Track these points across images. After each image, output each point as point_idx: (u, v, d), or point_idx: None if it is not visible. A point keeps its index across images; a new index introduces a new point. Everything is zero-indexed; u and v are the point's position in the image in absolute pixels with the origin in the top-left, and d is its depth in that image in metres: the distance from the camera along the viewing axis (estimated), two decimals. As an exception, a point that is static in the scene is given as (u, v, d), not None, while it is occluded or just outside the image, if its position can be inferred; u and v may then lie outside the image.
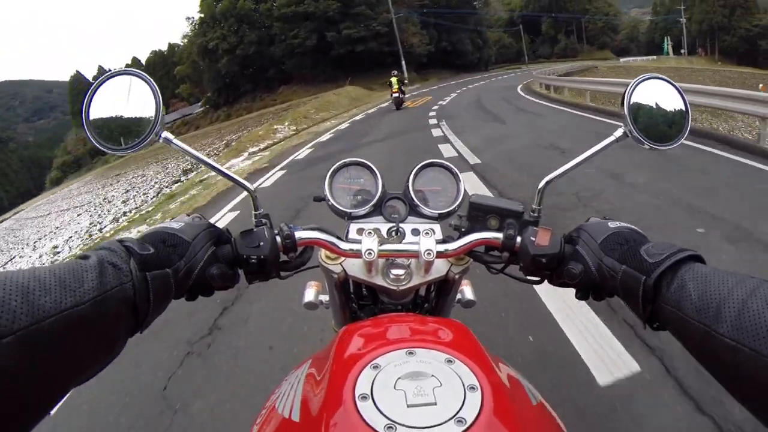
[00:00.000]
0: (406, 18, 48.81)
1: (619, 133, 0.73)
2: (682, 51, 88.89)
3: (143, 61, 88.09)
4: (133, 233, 6.82)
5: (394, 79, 18.09)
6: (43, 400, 0.39)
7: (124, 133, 0.68)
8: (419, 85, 35.98)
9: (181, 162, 20.16)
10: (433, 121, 12.90)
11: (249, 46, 51.33)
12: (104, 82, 0.68)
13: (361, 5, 47.08)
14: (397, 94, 18.04)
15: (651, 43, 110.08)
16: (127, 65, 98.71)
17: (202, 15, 55.30)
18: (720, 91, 8.14)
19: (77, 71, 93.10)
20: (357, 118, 18.62)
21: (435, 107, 17.35)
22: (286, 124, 19.26)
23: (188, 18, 60.25)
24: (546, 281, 0.74)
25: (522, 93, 19.70)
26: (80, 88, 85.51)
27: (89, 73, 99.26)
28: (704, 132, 7.41)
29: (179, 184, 13.60)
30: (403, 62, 40.44)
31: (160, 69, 76.71)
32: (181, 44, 63.96)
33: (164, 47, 66.06)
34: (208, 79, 57.71)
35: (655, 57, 78.76)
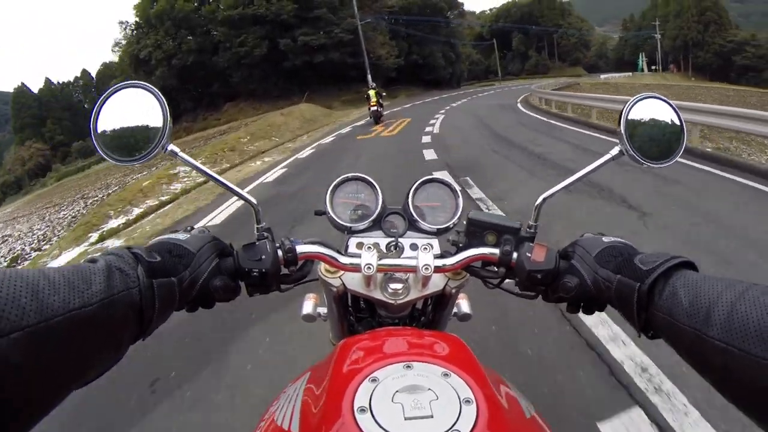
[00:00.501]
0: (374, 26, 41.80)
1: (615, 151, 0.74)
2: (654, 67, 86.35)
3: (93, 74, 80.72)
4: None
5: (372, 92, 17.41)
6: (46, 398, 0.40)
7: (131, 144, 0.69)
8: (388, 102, 29.86)
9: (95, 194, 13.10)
10: (440, 170, 7.53)
11: (188, 55, 43.38)
12: (113, 93, 0.69)
13: (322, 8, 39.77)
14: (375, 107, 17.23)
15: (620, 60, 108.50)
16: (77, 78, 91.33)
17: (138, 19, 47.20)
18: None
19: (22, 83, 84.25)
20: (303, 154, 12.39)
21: (425, 138, 11.99)
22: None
23: (122, 23, 50.49)
24: (541, 297, 0.75)
25: (538, 115, 15.42)
26: (23, 102, 77.43)
27: (35, 86, 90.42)
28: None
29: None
30: (369, 76, 33.87)
31: (108, 82, 67.89)
32: (115, 53, 54.95)
33: (116, 59, 56.56)
34: (143, 95, 48.51)
35: (630, 74, 75.63)
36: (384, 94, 19.73)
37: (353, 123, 19.85)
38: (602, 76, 61.10)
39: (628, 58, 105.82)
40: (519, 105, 19.85)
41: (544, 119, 14.05)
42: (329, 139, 14.98)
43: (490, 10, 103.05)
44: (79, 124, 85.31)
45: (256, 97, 42.40)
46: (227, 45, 41.94)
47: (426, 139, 11.65)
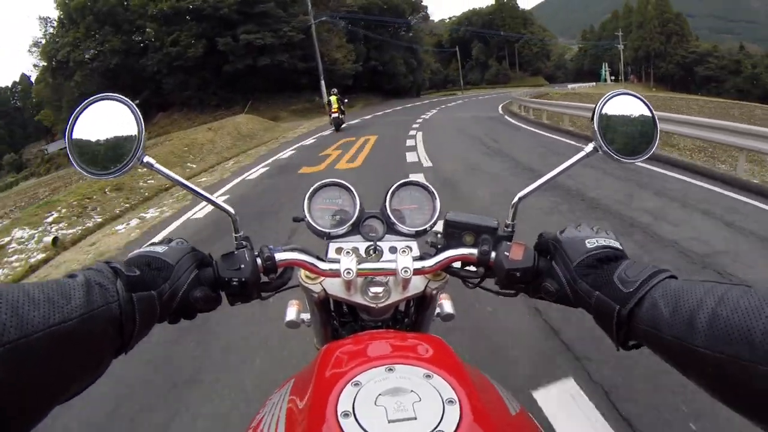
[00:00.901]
0: (329, 26, 37.74)
1: (589, 148, 0.75)
2: (612, 78, 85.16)
3: (33, 78, 72.57)
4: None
5: (333, 98, 16.74)
6: (28, 415, 0.40)
7: (107, 157, 0.69)
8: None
9: None
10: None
11: (111, 57, 36.26)
12: (88, 106, 0.69)
13: (269, 2, 33.54)
14: (336, 114, 16.67)
15: (580, 70, 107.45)
16: (15, 83, 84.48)
17: (60, 14, 39.48)
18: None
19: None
20: (198, 214, 6.62)
21: (415, 173, 7.64)
22: (50, 220, 7.49)
23: (42, 18, 42.46)
24: (521, 294, 0.76)
25: (544, 132, 12.53)
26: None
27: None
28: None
29: None
30: (323, 82, 29.07)
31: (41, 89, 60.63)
32: (33, 54, 47.63)
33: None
34: (67, 102, 39.28)
35: (594, 84, 73.67)
36: (346, 100, 18.46)
37: (300, 140, 15.77)
38: (570, 86, 57.90)
39: (588, 68, 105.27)
40: (507, 117, 17.97)
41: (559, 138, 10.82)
42: (258, 172, 9.90)
43: (450, 18, 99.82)
44: (16, 133, 79.11)
45: (191, 106, 36.02)
46: (158, 45, 35.65)
47: (416, 175, 7.00)
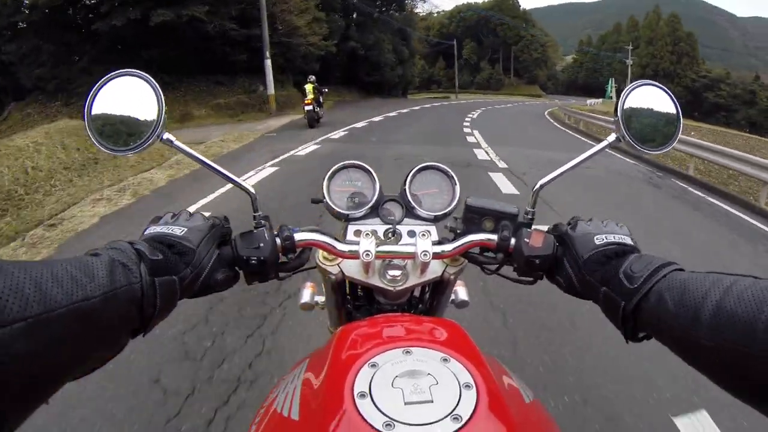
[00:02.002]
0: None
1: (612, 138, 0.75)
2: (611, 96, 75.24)
3: None
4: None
5: (309, 87, 13.93)
6: (44, 388, 0.40)
7: (126, 133, 0.69)
8: (295, 118, 16.09)
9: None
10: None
11: None
12: (107, 82, 0.69)
13: None
14: (311, 107, 13.74)
15: (573, 83, 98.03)
16: None
17: None
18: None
19: None
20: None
21: None
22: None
23: None
24: (538, 281, 0.77)
25: None
26: None
27: None
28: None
29: None
30: (268, 61, 16.48)
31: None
32: None
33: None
34: None
35: (600, 100, 63.53)
36: (326, 90, 15.30)
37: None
38: (588, 102, 46.88)
39: (583, 81, 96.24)
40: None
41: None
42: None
43: (437, 13, 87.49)
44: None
45: (49, 94, 19.50)
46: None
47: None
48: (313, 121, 14.00)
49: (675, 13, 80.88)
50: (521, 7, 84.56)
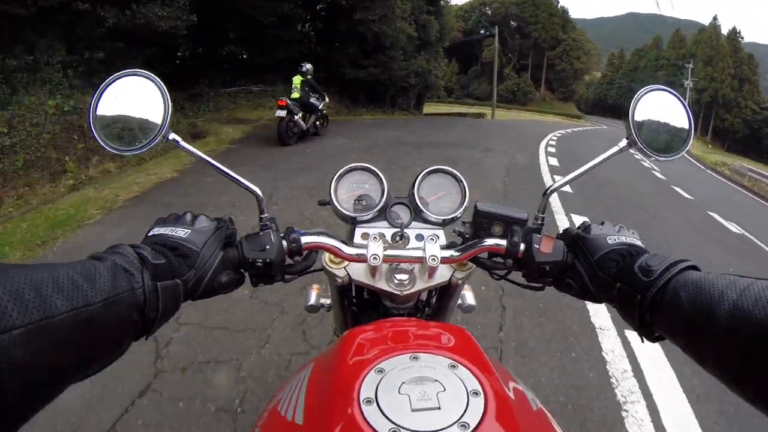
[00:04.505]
0: None
1: (623, 143, 0.75)
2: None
3: None
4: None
5: (297, 79, 9.29)
6: (44, 393, 0.40)
7: (131, 133, 0.69)
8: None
9: None
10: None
11: None
12: (112, 82, 0.69)
13: None
14: (284, 110, 8.64)
15: (600, 102, 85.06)
16: None
17: None
18: None
19: None
20: None
21: None
22: None
23: None
24: (547, 288, 0.77)
25: None
26: None
27: None
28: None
29: None
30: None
31: None
32: None
33: None
34: None
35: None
36: (318, 88, 9.75)
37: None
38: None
39: (614, 102, 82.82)
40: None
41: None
42: None
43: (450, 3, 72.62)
44: None
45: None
46: None
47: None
48: (285, 136, 8.72)
49: (736, 28, 67.47)
50: (559, 4, 69.85)
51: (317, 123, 9.96)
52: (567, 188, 7.42)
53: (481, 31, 58.46)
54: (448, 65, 58.56)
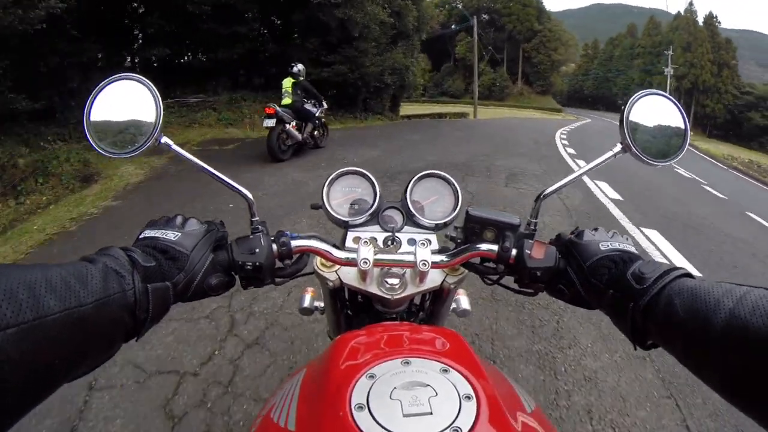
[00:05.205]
0: None
1: (617, 148, 0.74)
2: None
3: None
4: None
5: (287, 82, 8.14)
6: (36, 392, 0.40)
7: (124, 137, 0.70)
8: None
9: None
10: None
11: None
12: (106, 86, 0.69)
13: None
14: (272, 119, 7.46)
15: (576, 94, 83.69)
16: None
17: None
18: None
19: None
20: None
21: None
22: None
23: None
24: (539, 294, 0.76)
25: None
26: None
27: None
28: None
29: None
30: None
31: None
32: None
33: None
34: None
35: None
36: (314, 91, 8.52)
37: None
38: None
39: (590, 93, 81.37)
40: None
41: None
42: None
43: None
44: None
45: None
46: None
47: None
48: (276, 151, 7.53)
49: (712, 13, 66.19)
50: (534, -4, 67.24)
51: (315, 133, 8.63)
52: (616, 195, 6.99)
53: (453, 26, 55.59)
54: (427, 62, 55.57)
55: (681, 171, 12.35)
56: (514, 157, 9.74)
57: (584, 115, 51.16)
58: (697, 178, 11.75)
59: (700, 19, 65.49)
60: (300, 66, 8.25)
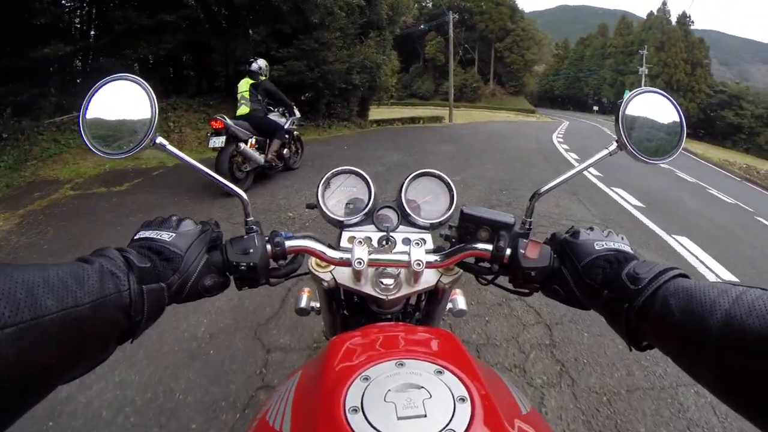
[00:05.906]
0: None
1: (612, 146, 0.74)
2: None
3: None
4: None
5: (244, 84, 6.17)
6: (33, 393, 0.40)
7: (120, 137, 0.70)
8: None
9: None
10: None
11: None
12: (102, 86, 0.69)
13: None
14: (219, 139, 5.23)
15: (547, 94, 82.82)
16: None
17: None
18: None
19: None
20: None
21: None
22: None
23: None
24: (535, 294, 0.75)
25: None
26: None
27: None
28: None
29: None
30: None
31: None
32: None
33: None
34: None
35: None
36: (280, 95, 6.42)
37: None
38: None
39: (563, 93, 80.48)
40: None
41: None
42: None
43: None
44: None
45: None
46: None
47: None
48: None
49: (686, 13, 65.64)
50: (507, -5, 65.20)
51: (285, 151, 6.45)
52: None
53: (422, 26, 53.18)
54: (400, 61, 53.04)
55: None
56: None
57: (558, 116, 50.28)
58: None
59: (673, 19, 64.87)
60: (261, 62, 6.31)
